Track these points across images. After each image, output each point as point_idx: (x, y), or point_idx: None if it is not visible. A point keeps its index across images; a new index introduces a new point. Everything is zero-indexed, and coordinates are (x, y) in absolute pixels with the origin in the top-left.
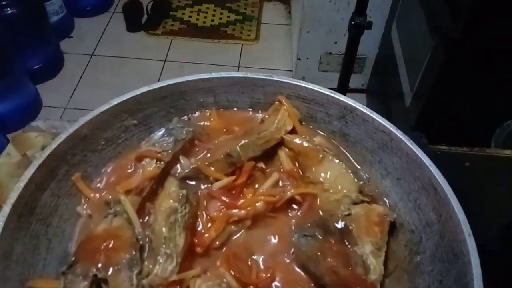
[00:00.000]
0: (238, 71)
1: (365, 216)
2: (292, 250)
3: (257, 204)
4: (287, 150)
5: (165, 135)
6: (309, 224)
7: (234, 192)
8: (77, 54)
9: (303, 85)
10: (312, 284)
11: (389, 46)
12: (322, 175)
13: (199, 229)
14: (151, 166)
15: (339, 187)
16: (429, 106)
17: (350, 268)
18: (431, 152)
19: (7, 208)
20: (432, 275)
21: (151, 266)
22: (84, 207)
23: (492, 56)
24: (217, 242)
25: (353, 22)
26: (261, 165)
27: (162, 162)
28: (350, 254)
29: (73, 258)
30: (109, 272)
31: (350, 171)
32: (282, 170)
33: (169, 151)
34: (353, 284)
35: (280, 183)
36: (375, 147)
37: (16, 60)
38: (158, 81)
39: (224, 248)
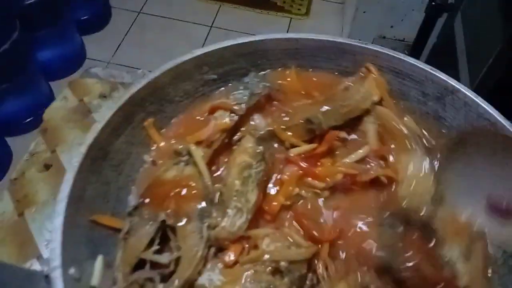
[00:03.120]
0: None
1: (451, 218)
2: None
3: (337, 175)
4: (375, 124)
5: (241, 88)
6: (388, 213)
7: (312, 159)
8: (125, 10)
9: (401, 57)
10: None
11: (450, 36)
12: (405, 166)
13: (271, 193)
14: (224, 118)
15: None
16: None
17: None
18: None
19: (82, 149)
20: None
21: (219, 218)
22: (152, 154)
23: None
24: (288, 202)
25: (433, 3)
26: (343, 134)
27: (236, 116)
28: (435, 255)
29: (141, 200)
30: (179, 220)
31: (433, 174)
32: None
33: (243, 104)
34: (440, 284)
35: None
36: None
37: (66, 8)
38: (203, 46)
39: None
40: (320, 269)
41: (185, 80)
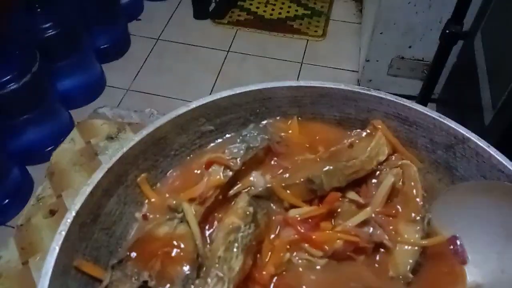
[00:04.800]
0: (301, 68)
1: None
2: None
3: (337, 242)
4: (395, 177)
5: (237, 141)
6: None
7: (310, 221)
8: (144, 37)
9: (406, 104)
10: None
11: (470, 55)
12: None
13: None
14: (218, 174)
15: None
16: None
17: None
18: None
19: (70, 216)
20: None
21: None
22: (143, 209)
23: None
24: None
25: (447, 31)
26: (353, 196)
27: (230, 171)
28: None
29: (127, 253)
30: (161, 284)
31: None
32: (374, 202)
33: (239, 159)
34: None
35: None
36: None
37: (85, 39)
38: (220, 71)
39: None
40: None
41: (181, 133)
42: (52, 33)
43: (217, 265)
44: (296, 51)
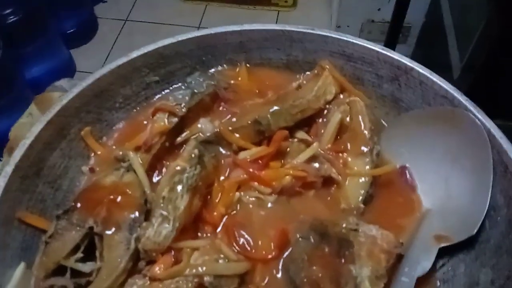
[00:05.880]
0: None
1: (373, 238)
2: None
3: (285, 178)
4: (343, 114)
5: (183, 88)
6: (308, 225)
7: (260, 162)
8: (112, 19)
9: (350, 40)
10: None
11: (437, 14)
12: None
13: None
14: (163, 120)
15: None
16: (480, 80)
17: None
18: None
19: (9, 169)
20: (497, 269)
21: (148, 229)
22: (90, 163)
23: None
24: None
25: None
26: (302, 135)
27: (175, 117)
28: (343, 271)
29: (72, 204)
30: (107, 229)
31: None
32: (322, 139)
33: (184, 105)
34: None
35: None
36: None
37: (50, 23)
38: None
39: (228, 218)
40: None
41: (124, 85)
42: (15, 18)
43: (162, 205)
44: (267, 22)
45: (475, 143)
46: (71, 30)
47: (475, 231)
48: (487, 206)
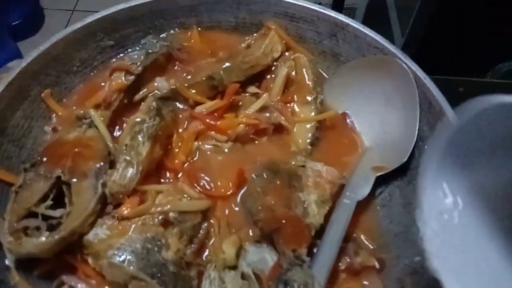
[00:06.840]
0: None
1: (319, 172)
2: None
3: (239, 126)
4: (289, 69)
5: (137, 49)
6: (262, 166)
7: (216, 114)
8: (58, 10)
9: (291, 0)
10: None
11: None
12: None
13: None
14: (120, 78)
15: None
16: (419, 55)
17: (288, 209)
18: None
19: None
20: None
21: (113, 174)
22: (52, 123)
23: None
24: (190, 160)
25: None
26: (253, 89)
27: (132, 75)
28: (293, 197)
29: (38, 158)
30: (74, 177)
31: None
32: (272, 92)
33: (139, 63)
34: (287, 223)
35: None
36: None
37: None
38: None
39: (188, 164)
40: (213, 225)
41: (80, 49)
42: None
43: (125, 151)
44: None
45: (403, 85)
46: (16, 22)
47: (406, 159)
48: (415, 137)
